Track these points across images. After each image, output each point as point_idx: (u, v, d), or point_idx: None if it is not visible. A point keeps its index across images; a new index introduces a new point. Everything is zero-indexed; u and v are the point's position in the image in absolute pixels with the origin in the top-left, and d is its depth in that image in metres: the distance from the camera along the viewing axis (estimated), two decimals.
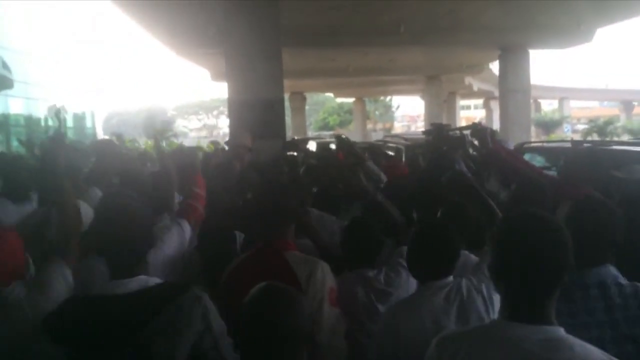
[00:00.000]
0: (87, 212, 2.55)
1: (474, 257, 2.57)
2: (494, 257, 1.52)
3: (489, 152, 3.64)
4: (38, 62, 18.85)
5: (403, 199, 3.43)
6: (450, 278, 2.24)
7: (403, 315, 2.17)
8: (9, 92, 17.56)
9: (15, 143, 16.03)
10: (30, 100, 18.87)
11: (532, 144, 7.81)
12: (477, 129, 3.75)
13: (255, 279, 1.88)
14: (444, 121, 25.48)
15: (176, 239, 2.73)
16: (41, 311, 2.01)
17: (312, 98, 46.38)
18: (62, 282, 2.17)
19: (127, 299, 1.74)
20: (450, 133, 4.29)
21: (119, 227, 1.82)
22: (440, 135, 4.19)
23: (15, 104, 17.99)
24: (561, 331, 1.42)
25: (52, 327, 1.75)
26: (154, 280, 1.87)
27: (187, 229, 2.83)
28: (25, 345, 2.09)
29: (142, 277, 1.85)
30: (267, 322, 1.56)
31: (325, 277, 2.19)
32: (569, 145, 6.17)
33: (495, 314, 2.10)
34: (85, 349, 1.70)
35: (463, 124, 5.28)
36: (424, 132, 4.61)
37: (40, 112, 19.65)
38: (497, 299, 2.12)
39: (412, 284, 2.58)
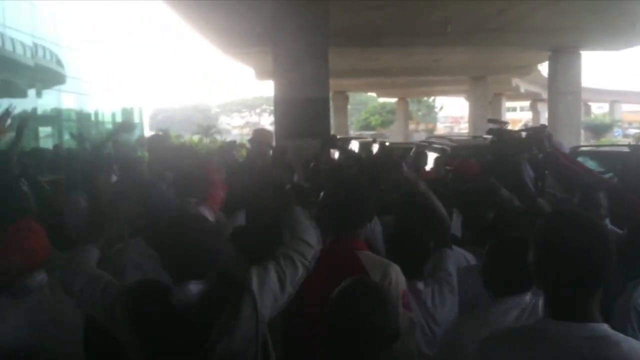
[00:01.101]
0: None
1: None
2: (535, 256, 1.50)
3: (546, 156, 3.54)
4: (90, 58, 19.43)
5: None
6: (528, 296, 2.09)
7: (468, 329, 2.04)
8: (61, 87, 18.18)
9: (66, 137, 16.60)
10: (82, 96, 19.47)
11: (586, 148, 7.57)
12: (533, 132, 3.65)
13: (327, 277, 1.94)
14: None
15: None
16: (63, 299, 2.13)
17: (354, 97, 46.27)
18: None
19: (195, 308, 1.77)
20: (515, 135, 4.15)
21: (190, 243, 1.86)
22: (503, 138, 4.02)
23: (67, 99, 18.59)
24: (606, 328, 1.41)
25: (128, 309, 1.80)
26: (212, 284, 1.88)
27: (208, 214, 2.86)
28: (46, 332, 2.19)
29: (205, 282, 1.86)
30: (358, 314, 1.58)
31: (398, 279, 2.16)
32: (624, 149, 5.95)
33: None
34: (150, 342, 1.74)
35: (509, 126, 5.13)
36: (488, 132, 4.44)
37: (90, 107, 20.27)
38: None
39: (453, 309, 2.50)
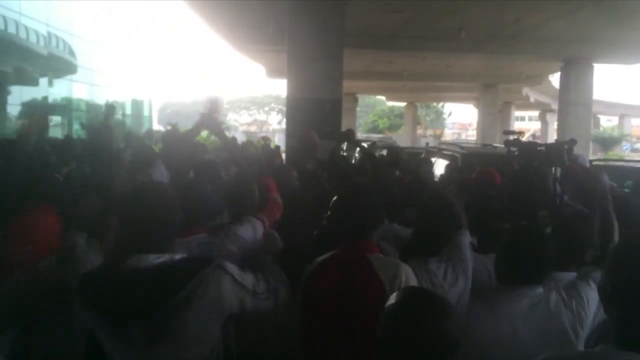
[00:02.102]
0: None
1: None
2: (607, 279, 1.40)
3: (565, 169, 3.51)
4: (102, 50, 19.50)
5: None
6: (540, 289, 2.12)
7: (480, 315, 2.09)
8: (73, 77, 18.25)
9: (76, 126, 16.69)
10: (93, 87, 19.54)
11: (599, 162, 7.53)
12: (552, 145, 3.63)
13: (337, 280, 1.98)
14: (498, 131, 24.98)
15: (250, 231, 2.84)
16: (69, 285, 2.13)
17: (363, 100, 46.26)
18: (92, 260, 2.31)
19: (153, 272, 1.78)
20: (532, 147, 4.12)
21: (148, 206, 1.88)
22: (531, 149, 3.96)
23: (78, 89, 18.67)
24: None
25: (82, 292, 1.83)
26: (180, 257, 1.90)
27: (258, 226, 2.91)
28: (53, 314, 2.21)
29: (168, 255, 1.86)
30: (419, 323, 1.52)
31: (408, 279, 2.17)
32: (637, 165, 5.92)
33: (583, 330, 2.03)
34: (109, 316, 1.76)
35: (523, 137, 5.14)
36: (506, 143, 4.43)
37: (101, 98, 20.36)
38: (587, 317, 2.05)
39: (466, 289, 2.54)
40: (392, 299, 1.60)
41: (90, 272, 1.91)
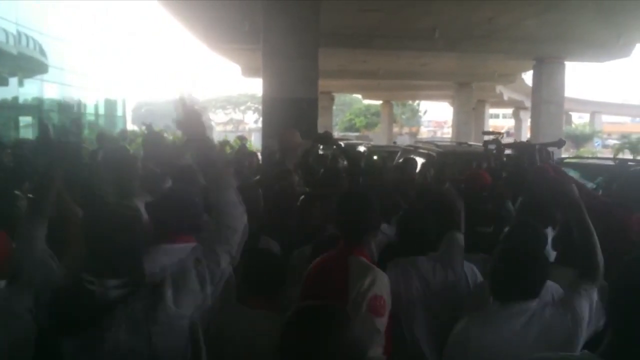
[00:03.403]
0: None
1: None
2: (609, 299, 1.41)
3: (536, 171, 3.53)
4: (74, 49, 19.15)
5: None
6: (535, 302, 2.10)
7: (477, 332, 2.08)
8: (44, 77, 17.88)
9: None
10: (65, 86, 19.18)
11: (571, 159, 7.66)
12: (523, 145, 3.65)
13: (320, 281, 2.15)
14: (472, 130, 25.26)
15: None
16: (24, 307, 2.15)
17: (339, 98, 46.29)
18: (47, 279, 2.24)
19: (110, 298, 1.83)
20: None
21: (110, 233, 1.87)
22: (526, 150, 3.94)
23: (49, 89, 18.30)
24: None
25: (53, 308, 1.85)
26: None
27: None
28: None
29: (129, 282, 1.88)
30: (306, 342, 1.49)
31: (375, 284, 2.16)
32: (608, 162, 6.02)
33: (579, 343, 2.03)
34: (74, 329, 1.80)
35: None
36: (485, 143, 4.45)
37: (73, 98, 19.98)
38: (582, 330, 2.05)
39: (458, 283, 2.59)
40: (287, 315, 1.57)
41: (60, 291, 1.91)
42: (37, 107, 17.56)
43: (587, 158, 9.34)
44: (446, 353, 2.18)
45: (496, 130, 4.89)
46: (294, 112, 7.56)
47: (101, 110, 22.81)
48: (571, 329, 2.04)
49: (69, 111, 19.49)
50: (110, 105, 23.76)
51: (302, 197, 3.45)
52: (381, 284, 2.20)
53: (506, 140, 5.47)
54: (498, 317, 2.10)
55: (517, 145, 4.39)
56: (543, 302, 2.13)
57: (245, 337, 2.21)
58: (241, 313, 2.32)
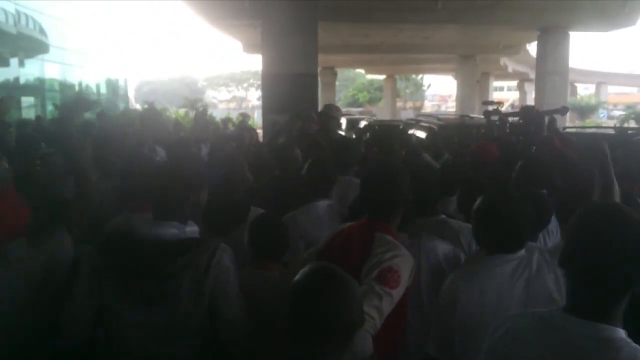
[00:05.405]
0: None
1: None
2: (564, 246, 1.44)
3: (542, 140, 3.48)
4: (75, 28, 19.02)
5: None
6: (522, 252, 2.12)
7: (464, 286, 2.10)
8: (45, 56, 17.80)
9: (50, 107, 16.33)
10: (66, 66, 19.10)
11: (572, 129, 7.61)
12: (532, 112, 3.57)
13: (343, 249, 2.21)
14: (477, 102, 25.08)
15: None
16: (40, 268, 2.30)
17: (342, 74, 45.91)
18: (62, 245, 2.45)
19: (161, 242, 2.06)
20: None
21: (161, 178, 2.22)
22: (532, 118, 3.85)
23: (50, 69, 18.23)
24: (619, 332, 1.33)
25: (104, 253, 2.08)
26: (189, 229, 2.17)
27: None
28: (26, 298, 2.21)
29: (176, 223, 2.12)
30: (315, 303, 1.49)
31: (395, 258, 2.11)
32: (609, 131, 5.99)
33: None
34: (125, 275, 2.02)
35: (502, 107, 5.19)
36: (485, 113, 4.39)
37: (74, 77, 19.90)
38: None
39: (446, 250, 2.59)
40: (298, 275, 1.57)
41: (109, 236, 2.23)
42: (38, 87, 17.52)
43: (588, 128, 9.26)
44: (440, 310, 2.22)
45: (497, 100, 4.84)
46: (293, 88, 7.53)
47: (103, 90, 22.75)
48: (559, 277, 2.04)
49: (71, 90, 19.44)
50: (113, 84, 23.67)
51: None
52: (399, 260, 2.12)
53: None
54: (485, 269, 2.12)
55: (523, 112, 4.31)
56: (530, 252, 2.13)
57: (264, 297, 2.36)
58: (258, 273, 2.54)
